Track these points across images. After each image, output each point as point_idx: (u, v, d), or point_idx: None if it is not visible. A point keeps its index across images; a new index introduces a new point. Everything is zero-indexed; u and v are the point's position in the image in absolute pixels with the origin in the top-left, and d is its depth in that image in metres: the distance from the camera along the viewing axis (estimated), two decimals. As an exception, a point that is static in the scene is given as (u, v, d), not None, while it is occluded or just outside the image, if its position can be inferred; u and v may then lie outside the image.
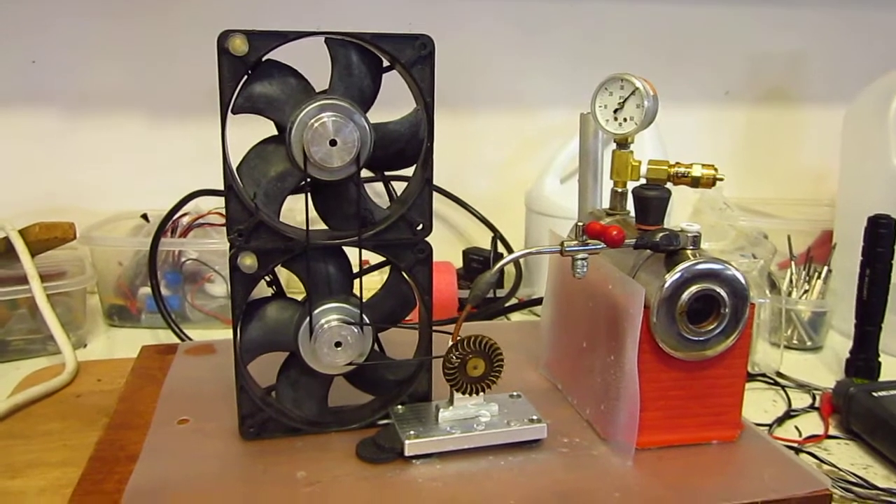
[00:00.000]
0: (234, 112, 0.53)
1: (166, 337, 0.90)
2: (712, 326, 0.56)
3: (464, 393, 0.57)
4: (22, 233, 0.86)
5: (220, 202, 0.96)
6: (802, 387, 0.81)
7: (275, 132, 0.55)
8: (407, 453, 0.55)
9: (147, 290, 0.93)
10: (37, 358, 0.85)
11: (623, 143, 0.65)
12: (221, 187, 0.54)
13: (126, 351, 0.80)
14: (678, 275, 0.55)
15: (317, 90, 0.55)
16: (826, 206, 1.14)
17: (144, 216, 1.03)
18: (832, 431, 0.72)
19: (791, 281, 0.96)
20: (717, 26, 1.20)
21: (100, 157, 1.07)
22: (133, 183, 1.08)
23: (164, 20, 1.05)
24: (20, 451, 0.62)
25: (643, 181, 0.63)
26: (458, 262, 1.09)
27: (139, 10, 1.04)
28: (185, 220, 0.97)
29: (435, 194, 0.58)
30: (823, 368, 0.88)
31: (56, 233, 0.87)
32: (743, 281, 0.56)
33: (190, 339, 0.88)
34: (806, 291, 0.95)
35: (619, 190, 0.66)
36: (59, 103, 1.05)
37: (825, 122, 1.18)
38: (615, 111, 0.64)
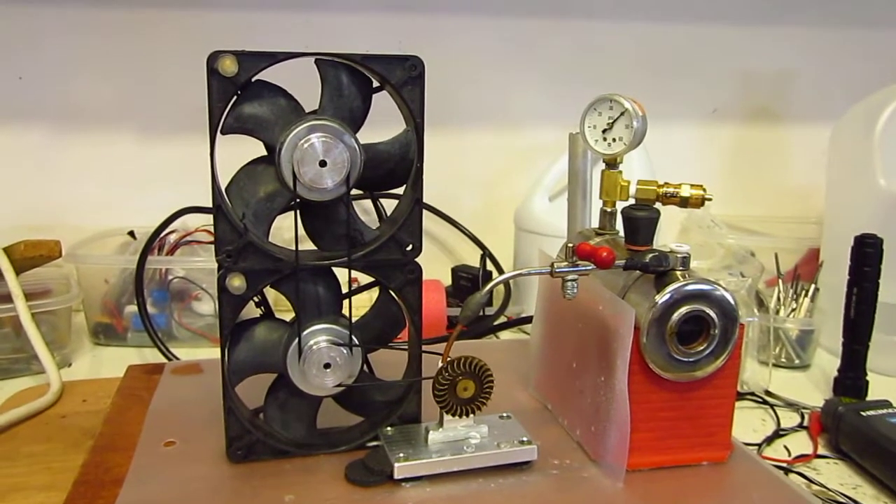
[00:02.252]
0: (223, 132, 0.53)
1: (153, 356, 0.89)
2: (702, 347, 0.56)
3: (454, 414, 0.57)
4: (6, 251, 0.85)
5: (207, 220, 0.96)
6: (791, 406, 0.81)
7: (264, 152, 0.55)
8: (396, 476, 0.54)
9: (133, 308, 0.92)
10: (21, 378, 0.84)
11: (612, 163, 0.65)
12: (209, 205, 0.54)
13: (112, 370, 0.80)
14: (668, 296, 0.55)
15: (307, 110, 0.55)
16: (813, 223, 1.14)
17: (131, 233, 1.03)
18: (821, 451, 0.72)
19: (779, 299, 0.96)
20: (705, 45, 1.21)
21: (86, 174, 1.07)
22: (120, 200, 1.07)
23: (152, 38, 1.04)
24: (3, 475, 0.61)
25: (632, 201, 0.63)
26: (447, 280, 1.09)
27: (127, 27, 1.04)
28: (173, 237, 0.97)
29: (424, 212, 0.58)
30: (811, 387, 0.88)
31: (41, 251, 0.87)
32: (732, 302, 0.56)
33: (177, 357, 0.87)
34: (793, 310, 0.96)
35: (609, 210, 0.66)
36: (45, 119, 1.05)
37: (812, 141, 1.19)
38: (604, 131, 0.64)
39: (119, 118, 1.07)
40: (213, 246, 0.54)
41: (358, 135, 0.54)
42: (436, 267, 1.08)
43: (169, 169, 1.06)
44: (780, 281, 0.97)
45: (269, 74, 0.53)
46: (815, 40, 1.25)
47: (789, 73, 1.26)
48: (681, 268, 0.56)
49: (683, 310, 0.55)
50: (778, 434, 0.75)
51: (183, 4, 1.04)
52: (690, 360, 0.56)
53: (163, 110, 1.07)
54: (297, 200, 0.54)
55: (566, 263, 0.55)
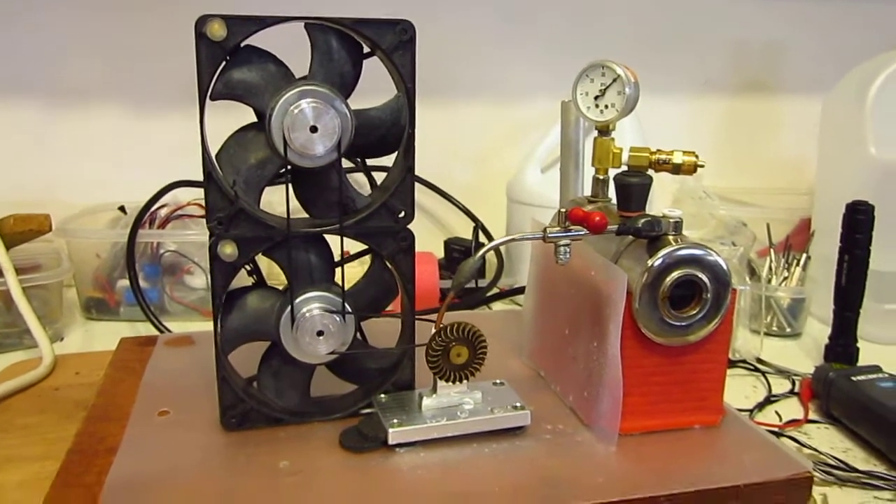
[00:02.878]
0: (212, 98, 0.52)
1: (145, 330, 0.89)
2: (694, 312, 0.56)
3: (447, 381, 0.57)
4: (-4, 225, 0.85)
5: (198, 193, 0.96)
6: (782, 373, 0.82)
7: (254, 119, 0.55)
8: (390, 442, 0.55)
9: (125, 282, 0.92)
10: (13, 352, 0.83)
11: (604, 130, 0.65)
12: (200, 178, 0.53)
13: (104, 344, 0.80)
14: (660, 260, 0.55)
15: (297, 76, 0.54)
16: (804, 194, 1.14)
17: (122, 208, 1.02)
18: (812, 416, 0.73)
19: (770, 268, 0.97)
20: (698, 15, 1.21)
21: (76, 149, 1.06)
22: (110, 174, 1.07)
23: (142, 10, 1.03)
24: (-3, 446, 0.62)
25: (625, 168, 0.63)
26: (440, 253, 1.08)
27: (116, 2, 1.02)
28: (164, 211, 0.96)
29: (416, 184, 0.58)
30: (803, 354, 0.89)
31: (31, 225, 0.86)
32: (724, 266, 0.56)
33: (169, 331, 0.87)
34: (785, 278, 0.96)
35: (601, 177, 0.66)
36: (34, 95, 1.04)
37: (803, 112, 1.19)
38: (596, 98, 0.64)
39: (109, 92, 1.06)
40: (204, 220, 0.54)
41: (349, 101, 0.53)
42: (428, 240, 1.09)
43: (159, 143, 1.05)
44: (772, 251, 0.98)
45: (257, 41, 0.53)
46: (807, 11, 1.24)
47: (781, 44, 1.25)
48: (673, 232, 0.56)
49: (676, 274, 0.55)
50: (769, 400, 0.76)
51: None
52: (683, 324, 0.56)
53: (152, 85, 1.06)
54: (289, 167, 0.54)
55: (559, 228, 0.55)
